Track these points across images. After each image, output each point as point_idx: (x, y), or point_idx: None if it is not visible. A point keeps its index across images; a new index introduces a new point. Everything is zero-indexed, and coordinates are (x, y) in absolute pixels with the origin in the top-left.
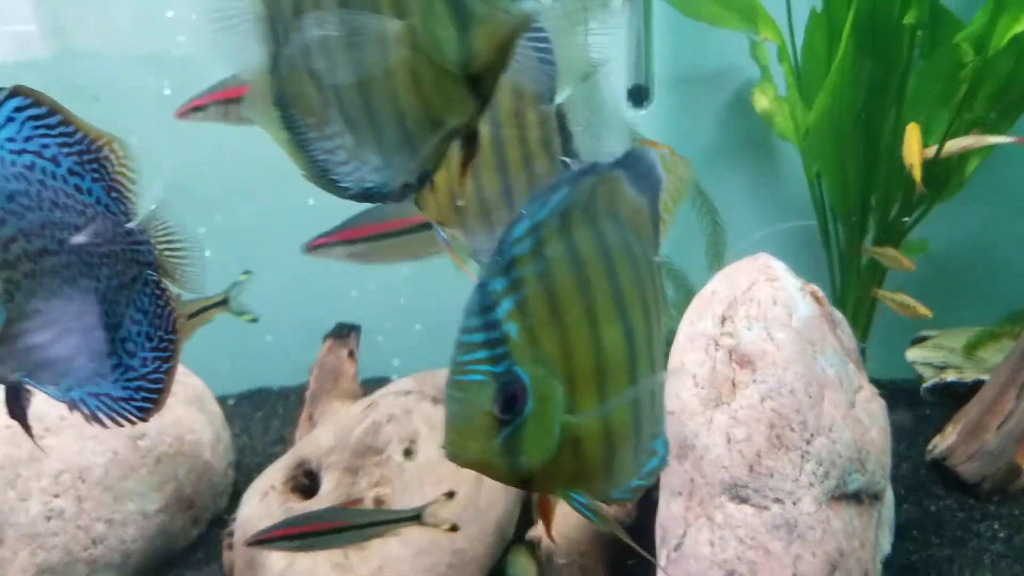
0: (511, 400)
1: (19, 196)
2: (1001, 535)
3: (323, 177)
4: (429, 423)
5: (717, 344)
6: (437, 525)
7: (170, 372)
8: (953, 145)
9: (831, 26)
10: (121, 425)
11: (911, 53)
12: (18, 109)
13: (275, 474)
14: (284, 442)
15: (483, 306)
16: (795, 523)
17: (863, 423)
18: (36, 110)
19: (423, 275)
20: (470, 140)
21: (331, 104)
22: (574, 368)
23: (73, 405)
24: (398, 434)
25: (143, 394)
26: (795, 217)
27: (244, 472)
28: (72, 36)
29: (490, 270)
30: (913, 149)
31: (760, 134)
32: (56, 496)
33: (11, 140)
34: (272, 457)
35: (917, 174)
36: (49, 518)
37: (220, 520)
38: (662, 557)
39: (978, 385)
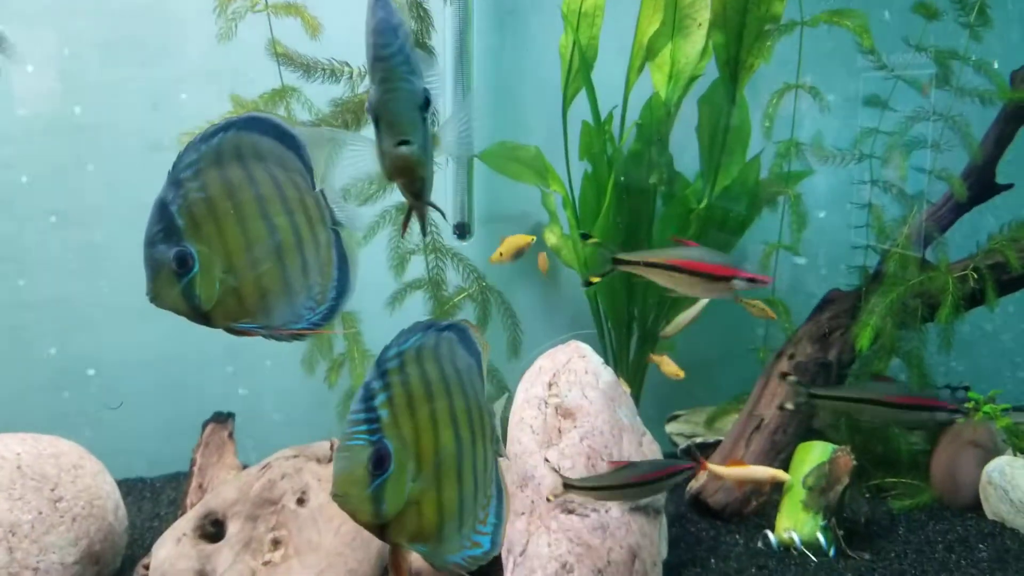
0: (381, 460)
1: None
2: (740, 542)
3: None
4: (317, 477)
5: (546, 403)
6: None
7: None
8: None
9: (598, 184)
10: None
11: (655, 203)
12: None
13: (186, 523)
14: (173, 509)
15: (366, 396)
16: (607, 525)
17: (648, 456)
18: None
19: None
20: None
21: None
22: (421, 449)
23: None
24: (291, 487)
25: None
26: (579, 326)
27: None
28: None
29: (371, 374)
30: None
31: (551, 263)
32: None
33: None
34: (152, 530)
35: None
36: None
37: (119, 574)
38: (509, 563)
39: (718, 443)
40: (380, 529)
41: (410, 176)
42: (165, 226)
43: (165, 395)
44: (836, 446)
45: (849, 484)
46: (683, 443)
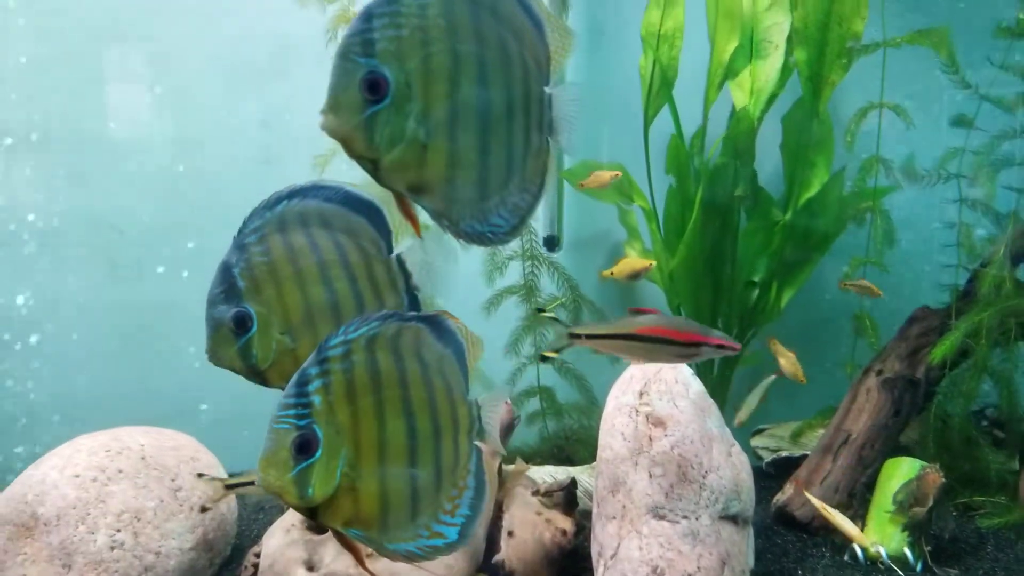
0: (305, 445)
1: None
2: (827, 555)
3: None
4: None
5: (637, 411)
6: None
7: None
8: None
9: (683, 198)
10: None
11: (739, 216)
12: None
13: (295, 515)
14: (277, 503)
15: (299, 381)
16: (698, 532)
17: (737, 467)
18: None
19: None
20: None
21: None
22: (360, 437)
23: None
24: None
25: None
26: None
27: (241, 527)
28: None
29: (309, 361)
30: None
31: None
32: (118, 531)
33: None
34: (258, 521)
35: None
36: (112, 548)
37: (228, 563)
38: (599, 566)
39: (804, 457)
40: (310, 512)
41: (345, 149)
42: (227, 287)
43: (271, 393)
44: (924, 463)
45: (937, 501)
46: (768, 456)
